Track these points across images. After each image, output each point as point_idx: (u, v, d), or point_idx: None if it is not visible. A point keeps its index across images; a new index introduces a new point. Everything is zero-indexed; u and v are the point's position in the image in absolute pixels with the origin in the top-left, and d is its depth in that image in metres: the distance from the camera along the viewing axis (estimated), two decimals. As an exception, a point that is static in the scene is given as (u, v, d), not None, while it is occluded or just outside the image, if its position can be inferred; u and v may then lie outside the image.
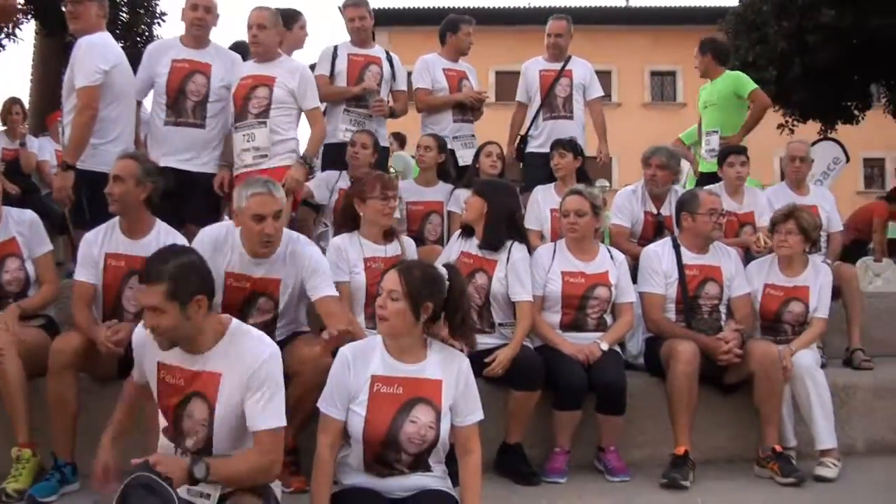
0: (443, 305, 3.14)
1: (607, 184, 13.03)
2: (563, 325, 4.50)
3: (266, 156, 5.00)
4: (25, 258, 4.34)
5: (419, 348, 3.17)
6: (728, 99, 6.86)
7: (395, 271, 3.11)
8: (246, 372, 2.94)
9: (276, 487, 3.13)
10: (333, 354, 3.29)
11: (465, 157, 6.33)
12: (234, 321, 3.10)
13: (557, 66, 6.63)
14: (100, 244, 4.22)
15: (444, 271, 3.19)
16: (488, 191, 4.55)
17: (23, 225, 4.36)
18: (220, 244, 3.99)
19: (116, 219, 4.27)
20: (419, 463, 3.11)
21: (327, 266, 4.07)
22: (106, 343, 3.89)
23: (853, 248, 10.35)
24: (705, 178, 6.74)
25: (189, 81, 5.14)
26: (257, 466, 2.92)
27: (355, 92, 6.03)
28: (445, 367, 3.16)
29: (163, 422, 3.07)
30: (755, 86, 6.90)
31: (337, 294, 4.00)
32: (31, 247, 4.35)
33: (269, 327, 3.97)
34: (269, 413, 2.94)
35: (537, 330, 4.47)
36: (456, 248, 4.58)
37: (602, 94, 6.92)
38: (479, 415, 3.19)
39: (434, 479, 3.15)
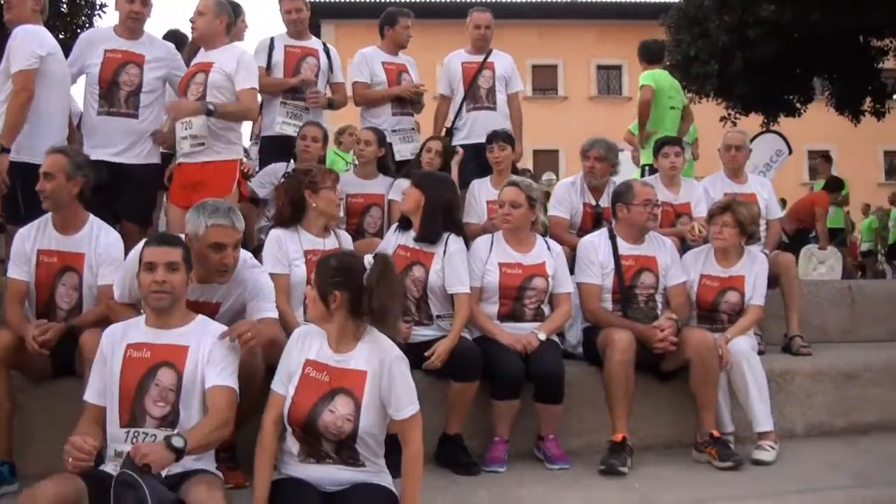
0: (358, 294, 3.15)
1: (554, 177, 13.10)
2: (501, 316, 4.53)
3: (203, 144, 4.86)
4: None
5: (350, 338, 3.21)
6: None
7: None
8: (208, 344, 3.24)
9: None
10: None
11: (402, 151, 6.32)
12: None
13: (480, 57, 6.66)
14: (32, 240, 4.15)
15: (369, 261, 3.20)
16: (426, 182, 4.56)
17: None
18: None
19: (49, 214, 4.20)
20: (344, 454, 3.14)
21: (271, 289, 3.99)
22: (32, 343, 3.80)
23: (796, 237, 10.61)
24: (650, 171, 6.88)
25: (122, 72, 5.09)
26: (217, 425, 3.09)
27: (292, 83, 6.00)
28: (372, 359, 3.18)
29: (117, 409, 3.16)
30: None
31: (276, 316, 3.95)
32: None
33: None
34: (226, 375, 3.20)
35: (475, 321, 4.49)
36: (393, 241, 4.59)
37: (522, 88, 7.01)
38: (414, 407, 3.19)
39: (367, 473, 3.18)
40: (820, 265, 10.39)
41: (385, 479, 3.22)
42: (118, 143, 5.09)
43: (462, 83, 6.59)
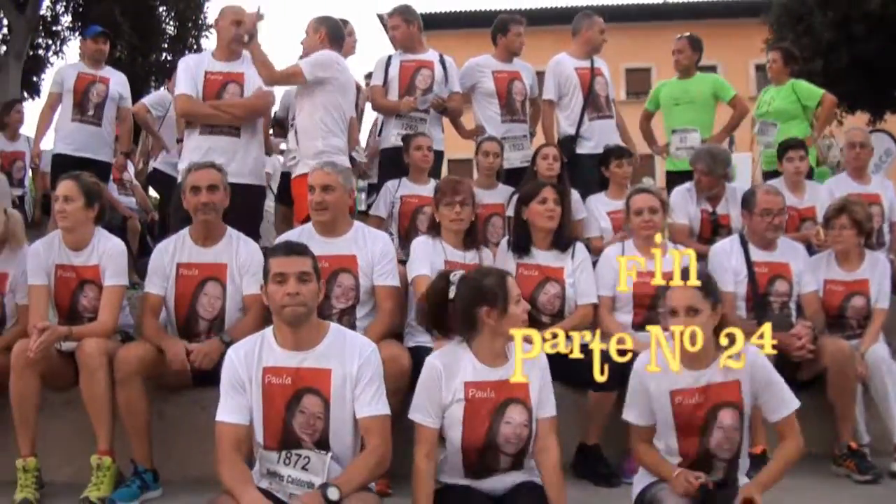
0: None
1: (652, 181, 12.93)
2: (635, 325, 4.47)
3: (295, 158, 5.14)
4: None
5: (500, 352, 3.21)
6: (706, 99, 6.78)
7: None
8: (353, 364, 3.08)
9: None
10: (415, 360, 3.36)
11: (512, 159, 6.24)
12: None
13: (587, 62, 6.57)
14: (171, 254, 4.31)
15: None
16: (565, 197, 4.56)
17: (106, 254, 4.30)
18: None
19: (187, 228, 4.37)
20: (517, 462, 3.18)
21: None
22: (184, 361, 4.01)
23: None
24: (678, 178, 6.42)
25: (224, 92, 5.18)
26: (375, 463, 3.03)
27: (402, 110, 6.06)
28: (528, 366, 3.20)
29: (263, 432, 3.08)
30: (736, 91, 6.89)
31: None
32: (106, 276, 4.27)
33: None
34: (376, 399, 3.07)
35: (609, 330, 4.42)
36: (512, 261, 4.53)
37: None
38: (553, 410, 3.24)
39: (527, 472, 3.23)
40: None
41: (536, 476, 3.24)
42: (219, 160, 5.06)
43: (580, 90, 6.49)
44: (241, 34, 5.03)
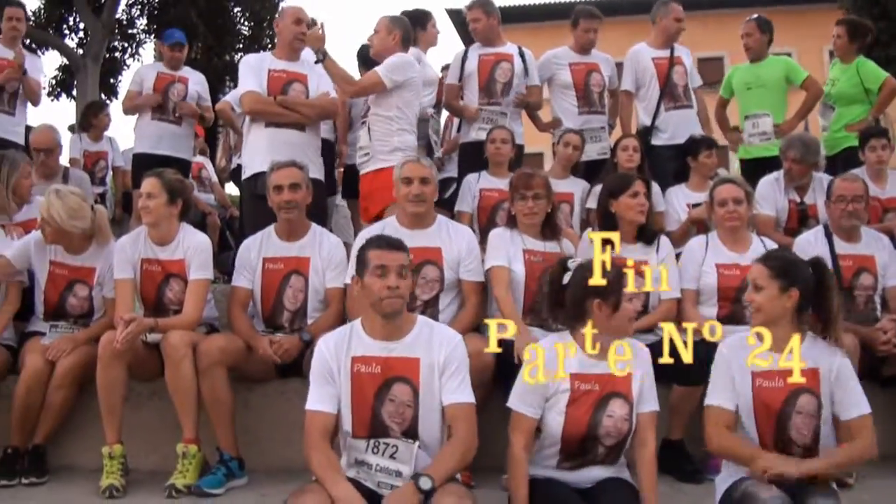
0: None
1: (727, 172, 12.68)
2: (720, 319, 4.36)
3: (368, 154, 5.16)
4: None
5: (607, 346, 3.21)
6: (778, 83, 6.58)
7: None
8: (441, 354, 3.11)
9: None
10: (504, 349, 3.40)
11: (589, 151, 6.20)
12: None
13: (666, 52, 6.50)
14: (257, 249, 4.42)
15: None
16: (649, 190, 4.49)
17: (192, 248, 4.38)
18: None
19: (273, 224, 4.46)
20: (613, 455, 3.20)
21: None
22: (271, 355, 4.09)
23: None
24: (753, 166, 6.33)
25: (289, 89, 5.21)
26: (463, 452, 3.05)
27: (467, 118, 6.14)
28: (633, 361, 3.23)
29: (351, 421, 3.11)
30: (807, 73, 6.63)
31: None
32: (191, 270, 4.35)
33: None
34: (463, 388, 3.10)
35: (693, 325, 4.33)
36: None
37: (701, 82, 6.77)
38: (655, 405, 3.24)
39: (618, 468, 3.25)
40: None
41: (626, 474, 3.26)
42: (284, 155, 5.05)
43: (656, 80, 6.43)
44: (315, 51, 5.11)
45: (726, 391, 3.20)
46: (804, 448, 3.12)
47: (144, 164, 6.35)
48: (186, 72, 6.96)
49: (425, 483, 2.85)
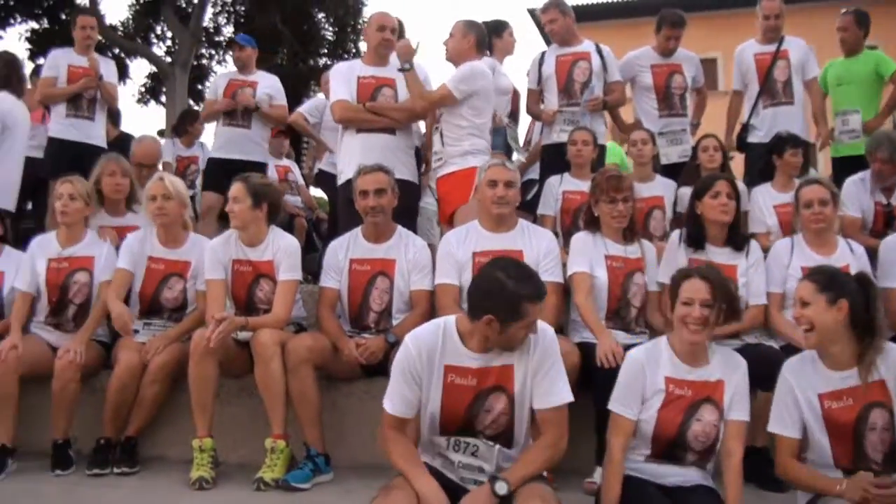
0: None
1: (815, 171, 12.34)
2: (804, 323, 4.30)
3: (441, 158, 5.21)
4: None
5: (704, 353, 3.27)
6: (869, 78, 6.41)
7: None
8: (534, 357, 3.08)
9: None
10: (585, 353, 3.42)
11: (670, 154, 6.17)
12: None
13: (772, 47, 6.40)
14: (345, 250, 4.52)
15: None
16: (733, 187, 4.42)
17: (281, 250, 4.49)
18: None
19: (359, 227, 4.56)
20: (701, 459, 3.23)
21: None
22: (355, 357, 4.18)
23: None
24: (843, 165, 6.17)
25: (379, 94, 5.29)
26: (551, 455, 3.07)
27: (545, 122, 6.16)
28: (726, 369, 3.28)
29: (439, 424, 3.12)
30: None
31: None
32: (280, 271, 4.46)
33: None
34: (557, 389, 3.09)
35: (779, 329, 4.30)
36: (683, 257, 4.42)
37: (818, 73, 6.58)
38: (746, 415, 3.24)
39: (704, 474, 3.27)
40: None
41: (710, 482, 3.27)
42: (375, 159, 5.11)
43: (756, 77, 6.37)
44: (401, 61, 5.18)
45: (790, 418, 3.21)
46: (882, 463, 3.08)
47: (215, 168, 6.57)
48: (258, 76, 7.03)
49: (501, 488, 2.87)
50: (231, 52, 7.20)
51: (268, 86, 6.95)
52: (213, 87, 7.13)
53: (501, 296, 2.92)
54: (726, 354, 3.35)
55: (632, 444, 3.25)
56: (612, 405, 3.26)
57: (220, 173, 6.03)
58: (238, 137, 6.75)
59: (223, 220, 5.58)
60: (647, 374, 3.25)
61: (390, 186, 4.47)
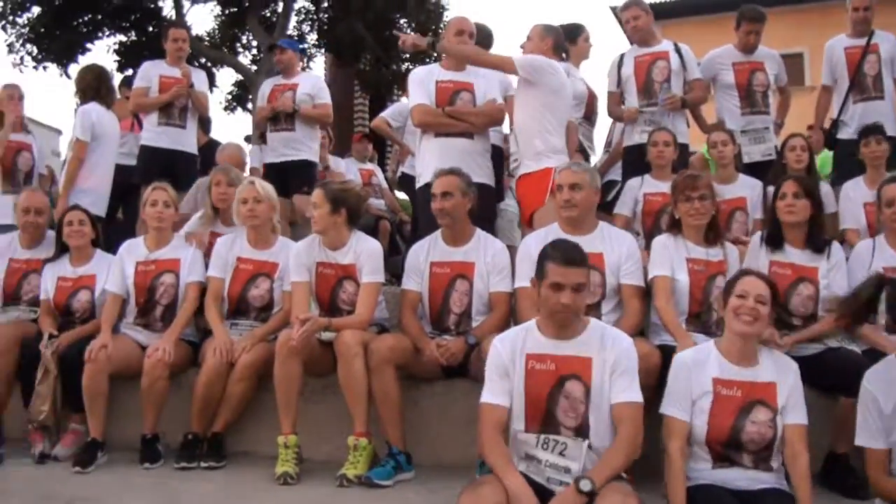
0: None
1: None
2: (887, 328, 4.21)
3: (517, 160, 5.24)
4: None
5: (753, 354, 3.28)
6: None
7: None
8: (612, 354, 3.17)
9: None
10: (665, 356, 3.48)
11: (752, 153, 6.10)
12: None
13: (862, 41, 6.28)
14: (425, 253, 4.60)
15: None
16: (813, 190, 4.32)
17: (364, 253, 4.58)
18: None
19: (440, 230, 4.62)
20: (760, 461, 3.21)
21: None
22: (437, 358, 4.24)
23: None
24: None
25: (457, 98, 5.33)
26: (629, 451, 3.10)
27: (626, 121, 6.16)
28: (779, 371, 3.30)
29: (524, 416, 3.21)
30: None
31: None
32: (363, 273, 4.55)
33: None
34: (633, 387, 3.16)
35: (862, 333, 4.18)
36: (764, 258, 4.36)
37: None
38: (804, 418, 3.25)
39: (776, 476, 3.25)
40: None
41: (784, 485, 3.24)
42: (454, 162, 5.12)
43: (846, 71, 6.27)
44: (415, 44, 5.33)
45: (875, 429, 3.16)
46: None
47: (271, 173, 6.66)
48: (300, 77, 7.07)
49: (585, 485, 2.91)
50: (273, 56, 7.26)
51: (309, 87, 6.99)
52: (261, 93, 7.26)
53: (538, 257, 3.24)
54: (777, 357, 3.35)
55: (691, 453, 3.26)
56: (664, 408, 3.29)
57: (275, 177, 6.13)
58: (284, 140, 6.84)
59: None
60: (693, 375, 3.27)
61: (460, 190, 4.48)
